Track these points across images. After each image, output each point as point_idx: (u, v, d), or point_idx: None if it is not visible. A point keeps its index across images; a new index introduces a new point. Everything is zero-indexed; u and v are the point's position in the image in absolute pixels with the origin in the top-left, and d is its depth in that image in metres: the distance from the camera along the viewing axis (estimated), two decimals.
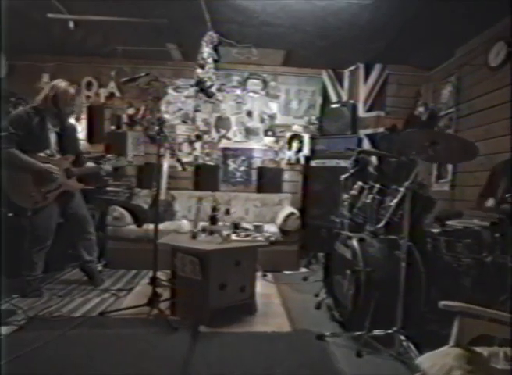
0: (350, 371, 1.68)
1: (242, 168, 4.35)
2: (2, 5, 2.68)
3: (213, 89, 3.44)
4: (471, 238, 1.91)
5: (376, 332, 1.87)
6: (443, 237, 1.97)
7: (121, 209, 3.42)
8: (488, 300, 1.95)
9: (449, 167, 3.67)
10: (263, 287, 2.92)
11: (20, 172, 2.43)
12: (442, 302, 1.12)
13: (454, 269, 2.00)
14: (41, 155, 2.50)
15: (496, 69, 3.08)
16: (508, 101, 2.92)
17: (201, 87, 2.81)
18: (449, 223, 2.21)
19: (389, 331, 1.83)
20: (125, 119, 4.21)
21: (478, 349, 1.11)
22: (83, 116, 4.22)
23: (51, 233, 2.60)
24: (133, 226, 3.43)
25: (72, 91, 2.58)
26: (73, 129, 2.84)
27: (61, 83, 2.55)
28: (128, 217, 3.44)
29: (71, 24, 3.18)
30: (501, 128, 2.96)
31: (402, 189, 1.88)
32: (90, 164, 2.83)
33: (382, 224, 1.90)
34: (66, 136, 2.67)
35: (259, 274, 3.17)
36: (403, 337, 1.78)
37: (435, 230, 2.03)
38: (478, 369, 0.99)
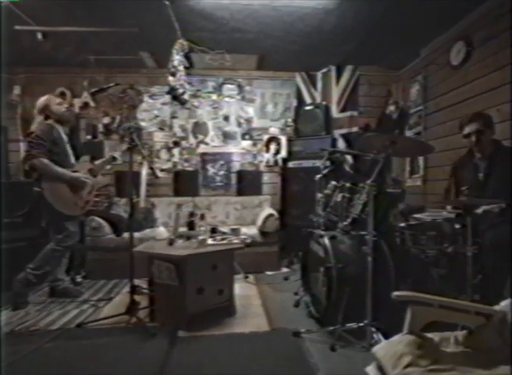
0: (324, 365, 1.73)
1: (221, 172, 4.38)
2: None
3: (185, 96, 3.47)
4: (434, 231, 2.00)
5: (349, 325, 1.94)
6: (408, 231, 2.06)
7: (99, 219, 3.40)
8: (454, 288, 2.06)
9: (421, 163, 3.81)
10: (244, 289, 2.95)
11: (57, 183, 2.51)
12: (394, 293, 1.19)
13: (421, 260, 2.09)
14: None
15: (458, 67, 3.23)
16: (471, 97, 3.07)
17: (174, 95, 2.84)
18: (417, 216, 2.31)
19: (361, 324, 1.90)
20: (101, 128, 4.19)
21: (430, 335, 1.18)
22: None
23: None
24: (112, 236, 3.41)
25: (49, 96, 2.76)
26: (77, 134, 2.95)
27: (43, 97, 2.71)
28: (106, 227, 3.42)
29: (39, 35, 3.16)
30: None
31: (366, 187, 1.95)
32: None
33: (348, 221, 1.97)
34: (75, 141, 2.82)
35: (241, 276, 3.21)
36: (374, 329, 1.85)
37: (401, 224, 2.12)
38: (427, 354, 1.06)
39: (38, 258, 2.55)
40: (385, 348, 1.13)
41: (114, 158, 2.87)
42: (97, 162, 2.84)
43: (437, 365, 1.02)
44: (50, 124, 2.60)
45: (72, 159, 2.71)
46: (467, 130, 2.14)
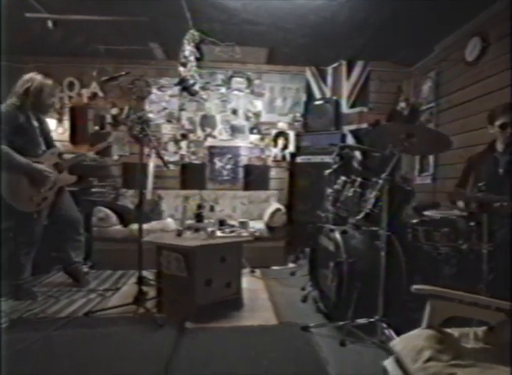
0: (333, 359, 1.71)
1: (228, 166, 4.36)
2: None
3: (196, 87, 3.44)
4: (447, 227, 1.97)
5: (359, 321, 1.91)
6: (422, 227, 2.03)
7: (106, 210, 3.39)
8: (467, 286, 2.02)
9: (431, 161, 3.76)
10: (250, 283, 2.94)
11: (14, 173, 2.30)
12: (414, 286, 1.16)
13: (434, 257, 2.06)
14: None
15: (472, 63, 3.17)
16: (485, 95, 3.02)
17: (184, 86, 2.81)
18: (428, 213, 2.28)
19: (372, 320, 1.87)
20: (108, 119, 4.17)
21: (449, 330, 1.15)
22: (66, 117, 4.17)
23: (40, 235, 2.56)
24: (119, 227, 3.41)
25: (50, 82, 2.55)
26: (46, 121, 2.74)
27: (37, 76, 2.51)
28: (113, 218, 3.42)
29: (49, 23, 3.14)
30: (478, 121, 3.03)
31: (380, 181, 1.92)
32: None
33: (361, 215, 1.94)
34: (45, 129, 2.61)
35: (247, 271, 3.20)
36: (384, 325, 1.83)
37: (414, 221, 2.08)
38: (447, 349, 1.03)
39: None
40: (403, 342, 1.10)
41: (84, 157, 2.70)
42: (66, 157, 2.66)
43: (458, 360, 0.99)
44: (17, 106, 2.34)
45: (42, 149, 2.49)
46: (501, 120, 2.00)
